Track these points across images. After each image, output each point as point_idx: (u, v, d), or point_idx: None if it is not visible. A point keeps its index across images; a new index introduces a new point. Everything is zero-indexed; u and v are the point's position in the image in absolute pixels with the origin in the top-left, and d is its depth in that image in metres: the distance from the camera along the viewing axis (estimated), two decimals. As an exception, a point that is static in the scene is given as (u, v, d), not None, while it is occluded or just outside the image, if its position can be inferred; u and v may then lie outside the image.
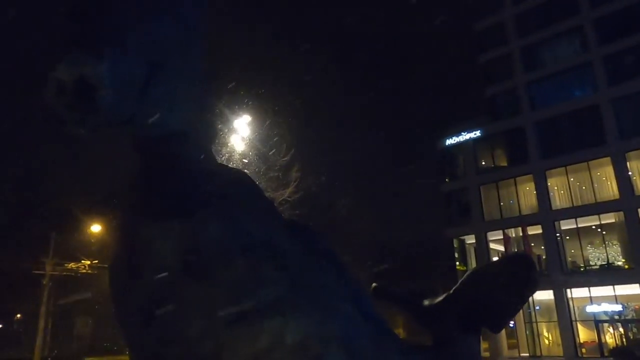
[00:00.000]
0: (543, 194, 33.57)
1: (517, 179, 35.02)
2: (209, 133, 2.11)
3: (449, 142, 39.31)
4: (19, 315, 34.34)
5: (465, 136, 38.39)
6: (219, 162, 2.33)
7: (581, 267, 32.83)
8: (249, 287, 1.67)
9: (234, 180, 2.03)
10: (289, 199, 17.75)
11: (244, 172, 2.23)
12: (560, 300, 31.25)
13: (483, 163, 38.24)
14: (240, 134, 15.59)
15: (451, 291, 2.81)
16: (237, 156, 15.49)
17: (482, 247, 35.61)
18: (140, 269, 1.71)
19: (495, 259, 36.12)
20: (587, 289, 30.80)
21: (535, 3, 37.60)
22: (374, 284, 3.20)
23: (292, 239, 2.01)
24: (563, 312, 31.08)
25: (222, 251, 1.71)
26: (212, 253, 1.71)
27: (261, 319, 1.63)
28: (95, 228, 22.70)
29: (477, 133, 37.92)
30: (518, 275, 2.49)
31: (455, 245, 37.95)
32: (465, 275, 2.96)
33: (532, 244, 33.25)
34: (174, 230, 1.72)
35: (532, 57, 37.20)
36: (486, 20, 40.47)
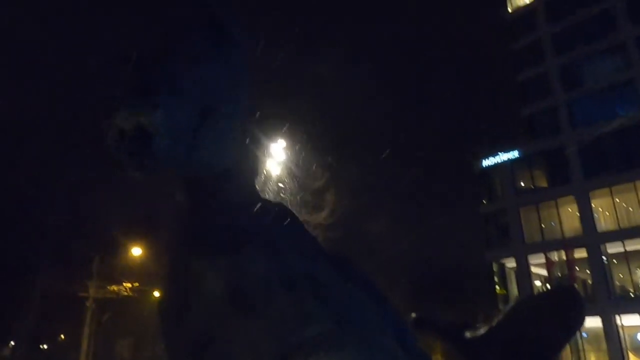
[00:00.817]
0: (587, 215, 32.32)
1: (559, 200, 33.89)
2: (253, 169, 2.19)
3: (485, 162, 38.58)
4: (62, 337, 35.34)
5: (503, 156, 37.60)
6: (263, 196, 2.41)
7: (631, 292, 31.18)
8: (293, 322, 1.71)
9: (277, 215, 2.09)
10: (324, 222, 17.78)
11: (287, 207, 2.29)
12: (610, 328, 29.69)
13: (522, 184, 37.25)
14: (275, 158, 15.81)
15: (494, 323, 2.76)
16: (273, 181, 15.70)
17: (523, 271, 34.41)
18: (190, 304, 1.78)
19: (537, 283, 34.83)
20: (638, 315, 29.18)
21: (572, 21, 36.93)
22: (413, 314, 3.17)
23: (334, 272, 2.04)
24: (613, 340, 29.47)
25: (267, 286, 1.76)
26: (258, 288, 1.76)
27: (305, 355, 1.65)
28: (136, 251, 23.34)
29: (515, 153, 37.08)
30: (564, 309, 2.43)
31: (494, 269, 36.82)
32: (509, 306, 2.90)
33: (577, 268, 31.91)
34: (222, 266, 1.78)
35: (571, 75, 36.37)
36: (522, 39, 40.00)
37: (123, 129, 1.49)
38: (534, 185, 36.42)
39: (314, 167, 17.65)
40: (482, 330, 2.77)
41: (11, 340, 26.01)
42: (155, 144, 1.47)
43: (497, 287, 36.40)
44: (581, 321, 2.44)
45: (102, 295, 24.05)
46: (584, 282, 32.31)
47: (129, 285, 24.72)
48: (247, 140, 2.08)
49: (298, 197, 17.03)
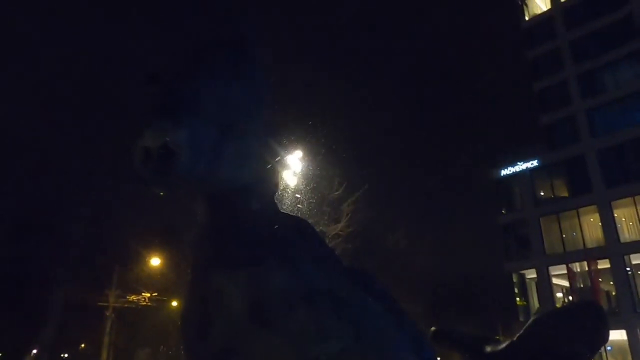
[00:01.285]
0: (610, 225, 31.63)
1: (580, 210, 33.26)
2: (272, 183, 2.22)
3: (504, 172, 38.13)
4: (83, 345, 35.76)
5: (522, 166, 37.13)
6: (280, 209, 2.44)
7: (657, 304, 30.34)
8: (312, 337, 1.72)
9: (296, 228, 2.12)
10: (341, 232, 17.76)
11: (305, 220, 2.31)
12: (635, 341, 28.87)
13: (542, 194, 36.69)
14: (292, 169, 15.88)
15: (515, 338, 2.73)
16: (290, 191, 15.76)
17: (544, 282, 33.76)
18: (211, 318, 1.81)
19: (559, 294, 34.13)
20: (665, 329, 28.37)
21: (590, 28, 36.50)
22: (433, 328, 3.15)
23: (352, 286, 2.06)
24: (638, 353, 28.64)
25: (286, 300, 1.78)
26: (277, 302, 1.78)
27: (326, 370, 1.67)
28: (155, 262, 23.61)
29: (534, 162, 36.60)
30: (587, 326, 2.39)
31: (514, 280, 36.22)
32: (530, 320, 2.86)
33: (600, 280, 31.20)
34: (241, 280, 1.81)
35: (591, 83, 35.87)
36: (539, 46, 39.65)
37: (148, 147, 1.54)
38: (554, 195, 35.84)
39: (330, 178, 17.69)
40: (503, 345, 2.74)
41: (33, 348, 26.42)
42: (178, 161, 1.51)
43: (518, 298, 35.79)
44: (605, 337, 2.40)
45: (121, 304, 24.32)
46: (608, 293, 31.57)
47: (148, 295, 24.98)
48: (267, 155, 2.12)
49: (315, 208, 17.06)
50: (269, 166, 2.17)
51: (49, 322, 23.80)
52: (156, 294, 25.39)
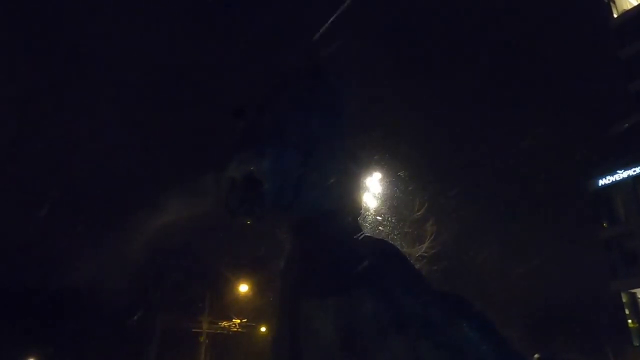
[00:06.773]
0: None
1: (697, 219, 29.67)
2: (356, 206, 2.20)
3: (602, 182, 35.14)
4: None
5: (622, 174, 33.99)
6: (365, 234, 2.40)
7: None
8: (408, 365, 1.65)
9: (383, 253, 2.07)
10: (426, 254, 17.20)
11: (391, 244, 2.26)
12: None
13: (649, 203, 33.26)
14: (372, 191, 15.80)
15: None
16: (371, 213, 15.63)
17: (661, 301, 30.28)
18: (300, 345, 1.80)
19: (680, 316, 30.40)
20: None
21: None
22: (537, 355, 2.91)
23: (446, 311, 1.96)
24: None
25: (378, 328, 1.73)
26: (368, 329, 1.74)
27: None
28: (243, 288, 24.38)
29: (637, 170, 33.37)
30: None
31: (624, 300, 32.83)
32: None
33: None
34: (330, 307, 1.79)
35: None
36: (632, 44, 36.61)
37: (234, 178, 1.59)
38: (663, 204, 32.35)
39: (411, 197, 17.33)
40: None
41: (136, 374, 28.03)
42: (263, 190, 1.55)
43: (630, 320, 32.34)
44: None
45: (214, 330, 25.25)
46: None
47: (238, 321, 25.74)
48: (348, 179, 2.11)
49: (397, 230, 16.75)
50: (352, 190, 2.15)
51: (149, 348, 25.23)
52: (245, 320, 26.09)
